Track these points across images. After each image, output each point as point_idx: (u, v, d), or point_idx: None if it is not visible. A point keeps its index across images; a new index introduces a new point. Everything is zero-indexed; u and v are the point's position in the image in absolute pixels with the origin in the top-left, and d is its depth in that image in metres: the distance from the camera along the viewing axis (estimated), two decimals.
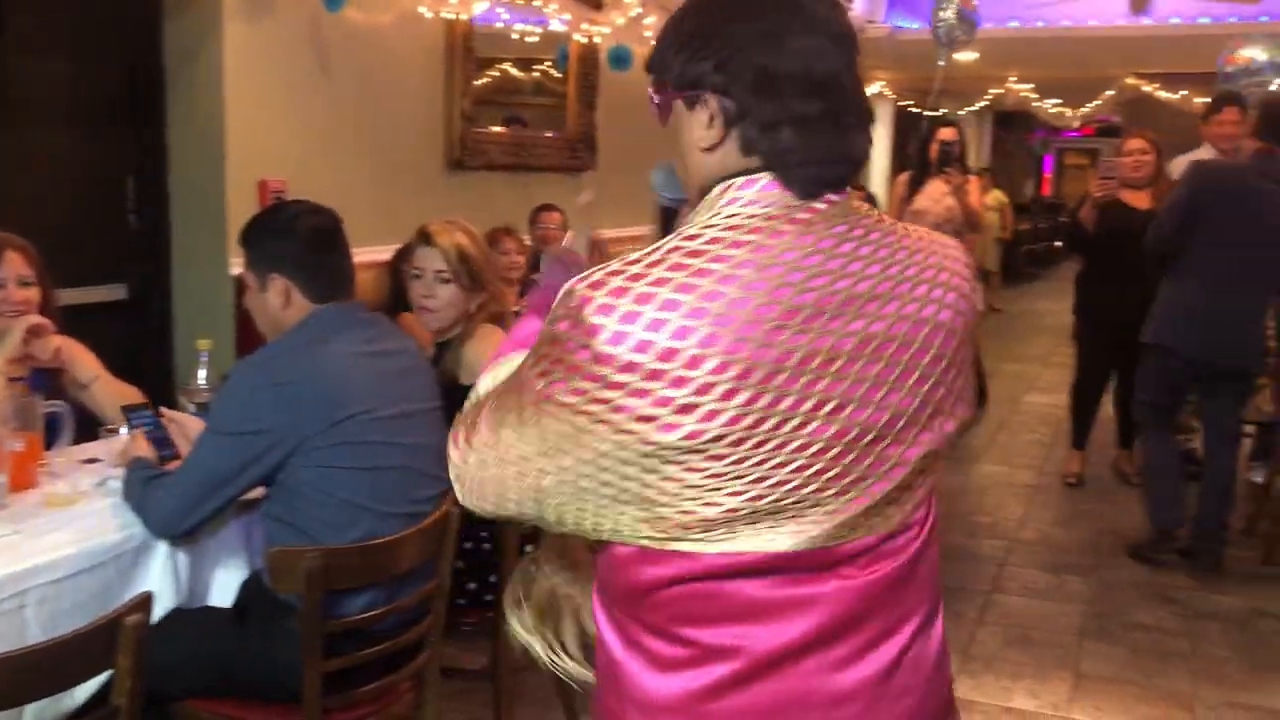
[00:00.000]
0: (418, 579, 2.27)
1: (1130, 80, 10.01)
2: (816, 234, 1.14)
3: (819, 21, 1.19)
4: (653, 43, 1.29)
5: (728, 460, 1.09)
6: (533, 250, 5.13)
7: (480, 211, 5.02)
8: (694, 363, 1.06)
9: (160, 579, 2.19)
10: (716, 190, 1.20)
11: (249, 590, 2.31)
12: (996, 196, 11.41)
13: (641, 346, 1.06)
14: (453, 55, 5.12)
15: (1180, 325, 4.38)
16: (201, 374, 2.87)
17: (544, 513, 1.18)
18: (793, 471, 1.11)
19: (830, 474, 1.12)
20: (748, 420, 1.08)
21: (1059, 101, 11.62)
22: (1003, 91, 11.05)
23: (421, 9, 4.84)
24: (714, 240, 1.12)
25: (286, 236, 2.27)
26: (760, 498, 1.11)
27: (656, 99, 1.27)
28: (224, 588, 2.37)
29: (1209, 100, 5.72)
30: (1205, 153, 5.55)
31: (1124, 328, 4.91)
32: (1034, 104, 11.42)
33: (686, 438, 1.08)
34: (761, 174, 1.18)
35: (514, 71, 5.83)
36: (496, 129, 5.56)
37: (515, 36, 5.58)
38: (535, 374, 1.14)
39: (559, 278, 1.21)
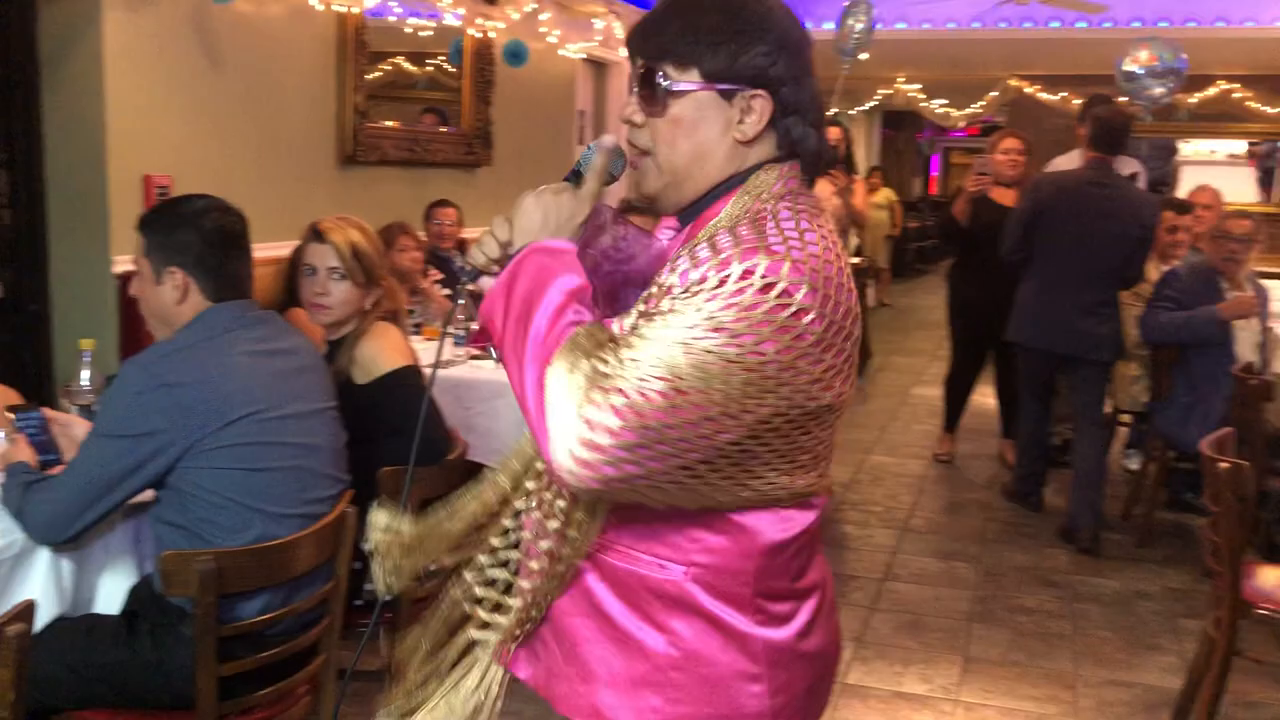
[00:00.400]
0: (314, 580, 2.24)
1: (1013, 82, 10.33)
2: None
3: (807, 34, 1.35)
4: (645, 33, 1.33)
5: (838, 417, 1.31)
6: (429, 247, 5.09)
7: (374, 207, 4.96)
8: (841, 332, 1.23)
9: (43, 586, 2.12)
10: (765, 175, 1.31)
11: (138, 596, 2.25)
12: (886, 194, 11.66)
13: (819, 319, 1.20)
14: (345, 49, 5.04)
15: (1029, 322, 4.83)
16: (84, 375, 2.79)
17: (701, 483, 1.22)
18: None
19: None
20: (850, 381, 1.29)
21: (945, 102, 11.93)
22: (892, 92, 11.30)
23: (313, 1, 4.75)
24: (814, 214, 1.29)
25: (193, 230, 2.21)
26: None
27: (667, 83, 1.30)
28: (111, 594, 2.30)
29: (1082, 103, 5.98)
30: (1080, 155, 5.78)
31: (992, 319, 5.24)
32: (921, 104, 11.70)
33: (835, 399, 1.26)
34: (790, 161, 1.33)
35: (408, 66, 5.76)
36: (390, 124, 5.49)
37: (409, 30, 5.51)
38: (715, 336, 1.16)
39: (636, 244, 1.33)
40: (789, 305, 1.18)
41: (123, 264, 3.90)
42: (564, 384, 1.18)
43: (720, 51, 1.27)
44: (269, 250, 4.17)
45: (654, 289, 1.26)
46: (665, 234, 1.45)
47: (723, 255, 1.20)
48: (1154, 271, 5.19)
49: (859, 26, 7.10)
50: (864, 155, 16.57)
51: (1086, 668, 3.59)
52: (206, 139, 4.32)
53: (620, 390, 1.16)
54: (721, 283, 1.18)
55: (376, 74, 5.36)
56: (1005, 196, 5.40)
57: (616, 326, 1.27)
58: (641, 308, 1.26)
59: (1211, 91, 9.77)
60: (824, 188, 6.09)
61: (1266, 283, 5.06)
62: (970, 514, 5.13)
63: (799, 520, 1.33)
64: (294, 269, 4.22)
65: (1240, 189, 10.04)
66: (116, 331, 3.90)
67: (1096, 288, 4.72)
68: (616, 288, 1.36)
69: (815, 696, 1.44)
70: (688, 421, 1.16)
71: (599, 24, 7.34)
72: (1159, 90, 6.77)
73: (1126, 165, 5.87)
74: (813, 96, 1.34)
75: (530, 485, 1.45)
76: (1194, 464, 4.61)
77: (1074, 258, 4.70)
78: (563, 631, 1.42)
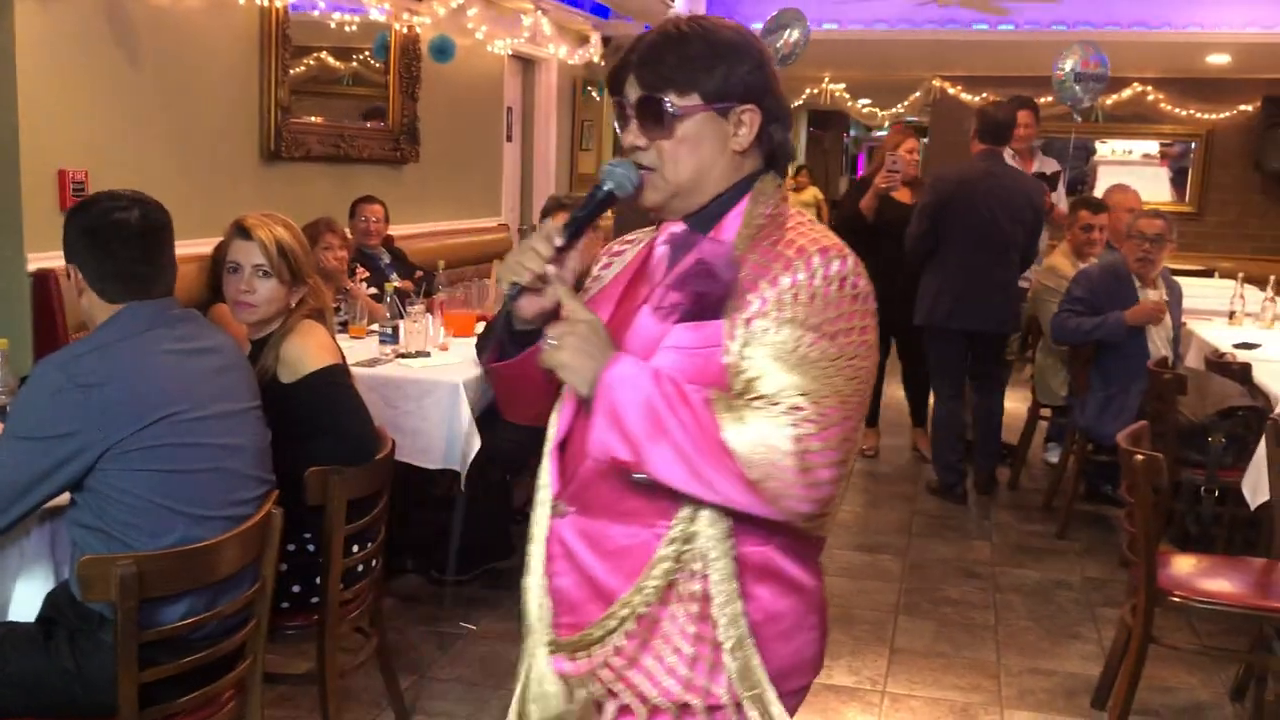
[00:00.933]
0: (239, 583, 2.20)
1: (936, 82, 10.49)
2: None
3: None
4: (640, 69, 1.47)
5: None
6: (354, 245, 5.02)
7: (299, 204, 4.89)
8: None
9: None
10: (767, 182, 1.51)
11: (55, 602, 2.19)
12: (813, 193, 11.74)
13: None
14: (267, 42, 4.96)
15: (944, 306, 5.15)
16: None
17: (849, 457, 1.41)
18: None
19: None
20: None
21: (870, 102, 12.07)
22: (818, 91, 11.41)
23: None
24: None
25: (82, 225, 2.17)
26: None
27: (673, 109, 1.45)
28: (26, 601, 2.25)
29: (1005, 103, 6.11)
30: (1007, 151, 5.92)
31: (893, 312, 5.32)
32: (847, 104, 11.83)
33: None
34: (772, 167, 1.53)
35: (332, 61, 5.68)
36: (314, 119, 5.41)
37: (333, 25, 5.44)
38: (847, 329, 1.39)
39: (723, 271, 1.39)
40: (861, 290, 1.42)
41: (37, 261, 3.79)
42: (751, 441, 1.32)
43: (714, 74, 1.44)
44: (190, 247, 4.08)
45: (750, 312, 1.38)
46: (676, 228, 1.52)
47: (796, 265, 1.39)
48: (1069, 268, 5.33)
49: (794, 37, 7.18)
50: (800, 154, 16.73)
51: (1009, 657, 3.66)
52: (124, 133, 4.22)
53: (809, 426, 1.33)
54: (812, 295, 1.37)
55: (300, 69, 5.28)
56: (902, 194, 5.62)
57: (728, 340, 1.39)
58: (743, 332, 1.38)
59: (1127, 93, 10.02)
60: None
61: (1180, 280, 5.22)
62: (894, 507, 5.21)
63: None
64: (216, 266, 4.16)
65: (1155, 188, 10.30)
66: (30, 331, 3.80)
67: (1002, 267, 5.13)
68: (703, 298, 1.41)
69: None
70: (854, 418, 1.37)
71: (526, 20, 7.31)
72: (1084, 93, 6.97)
73: (1048, 165, 6.01)
74: (785, 103, 1.53)
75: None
76: (1111, 456, 4.73)
77: (980, 242, 5.09)
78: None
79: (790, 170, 13.37)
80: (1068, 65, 7.11)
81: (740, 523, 1.40)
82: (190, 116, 4.57)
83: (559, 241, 1.43)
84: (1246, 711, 3.28)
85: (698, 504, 1.38)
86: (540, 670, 1.50)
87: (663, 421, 1.33)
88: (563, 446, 1.53)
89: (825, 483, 1.34)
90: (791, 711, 1.48)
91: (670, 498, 1.39)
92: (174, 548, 2.06)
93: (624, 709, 1.46)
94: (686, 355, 1.40)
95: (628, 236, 1.65)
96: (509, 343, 1.51)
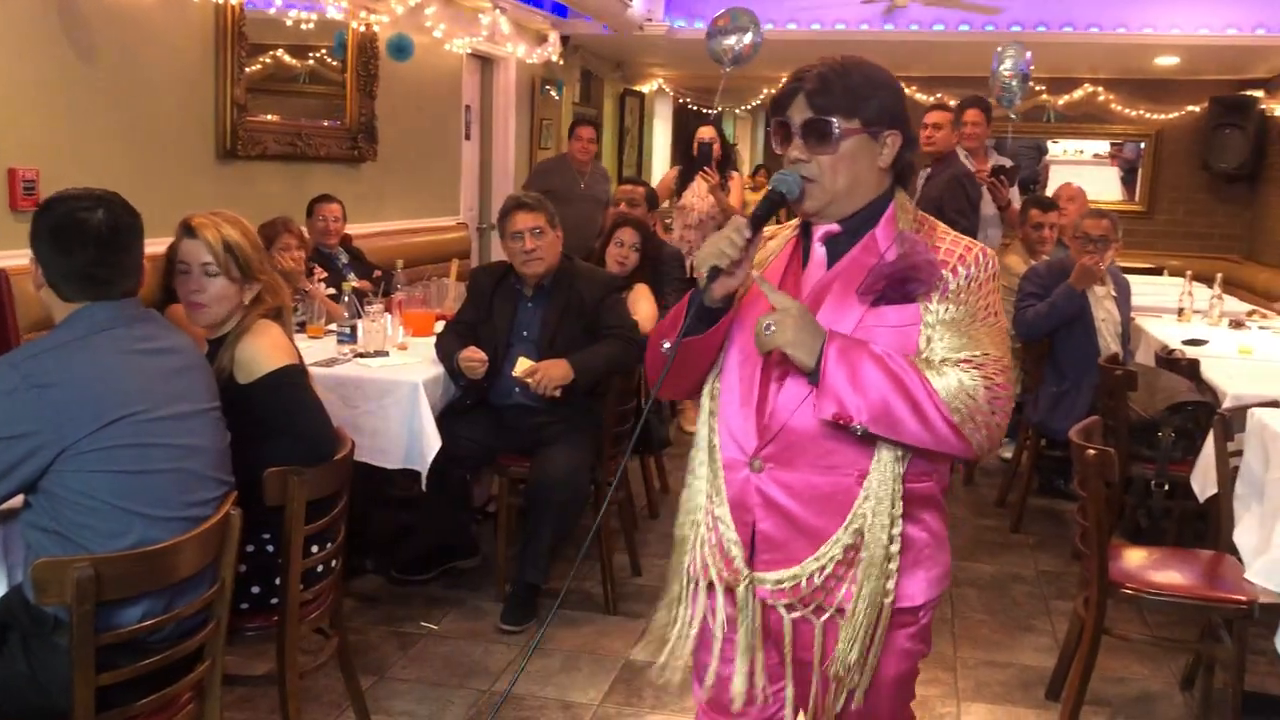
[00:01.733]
0: (198, 585, 2.19)
1: None
2: None
3: None
4: (810, 97, 1.75)
5: None
6: (312, 244, 4.99)
7: (255, 203, 4.85)
8: None
9: None
10: (904, 196, 1.84)
11: (8, 606, 2.16)
12: None
13: None
14: (223, 40, 4.91)
15: None
16: None
17: None
18: None
19: None
20: None
21: None
22: (775, 91, 11.46)
23: None
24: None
25: (40, 222, 2.14)
26: None
27: (838, 130, 1.74)
28: None
29: (958, 103, 6.20)
30: (961, 150, 6.01)
31: None
32: None
33: None
34: (901, 185, 1.86)
35: (289, 59, 5.64)
36: (271, 117, 5.37)
37: (290, 23, 5.40)
38: (997, 308, 1.80)
39: (912, 245, 1.75)
40: (997, 280, 1.82)
41: None
42: (953, 390, 1.68)
43: (872, 103, 1.75)
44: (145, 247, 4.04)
45: (937, 297, 1.75)
46: (830, 228, 1.83)
47: (967, 260, 1.77)
48: (1022, 265, 5.41)
49: (747, 38, 7.25)
50: (749, 154, 16.79)
51: (965, 650, 3.71)
52: (76, 131, 4.17)
53: (994, 379, 1.70)
54: (980, 284, 1.76)
55: (256, 66, 5.24)
56: None
57: (926, 316, 1.74)
58: (934, 310, 1.74)
59: (1079, 94, 10.16)
60: (703, 184, 6.22)
61: (1129, 277, 5.31)
62: None
63: None
64: (169, 266, 4.11)
65: (1105, 187, 10.46)
66: None
67: None
68: (908, 284, 1.75)
69: None
70: (1009, 371, 1.75)
71: (485, 19, 7.29)
72: (1020, 91, 7.15)
73: (1003, 161, 6.09)
74: (914, 131, 1.84)
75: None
76: (1064, 452, 4.81)
77: None
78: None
79: (749, 169, 13.42)
80: (1008, 64, 7.26)
81: (912, 464, 1.75)
82: (143, 114, 4.52)
83: (747, 234, 1.71)
84: (1195, 700, 3.35)
85: (881, 452, 1.72)
86: (744, 598, 1.81)
87: (894, 379, 1.66)
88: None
89: (1003, 422, 1.73)
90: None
91: (862, 448, 1.73)
92: (131, 550, 2.05)
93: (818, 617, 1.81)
94: (892, 331, 1.73)
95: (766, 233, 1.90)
96: (701, 319, 1.76)
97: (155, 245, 3.94)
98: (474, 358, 3.70)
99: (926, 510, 1.83)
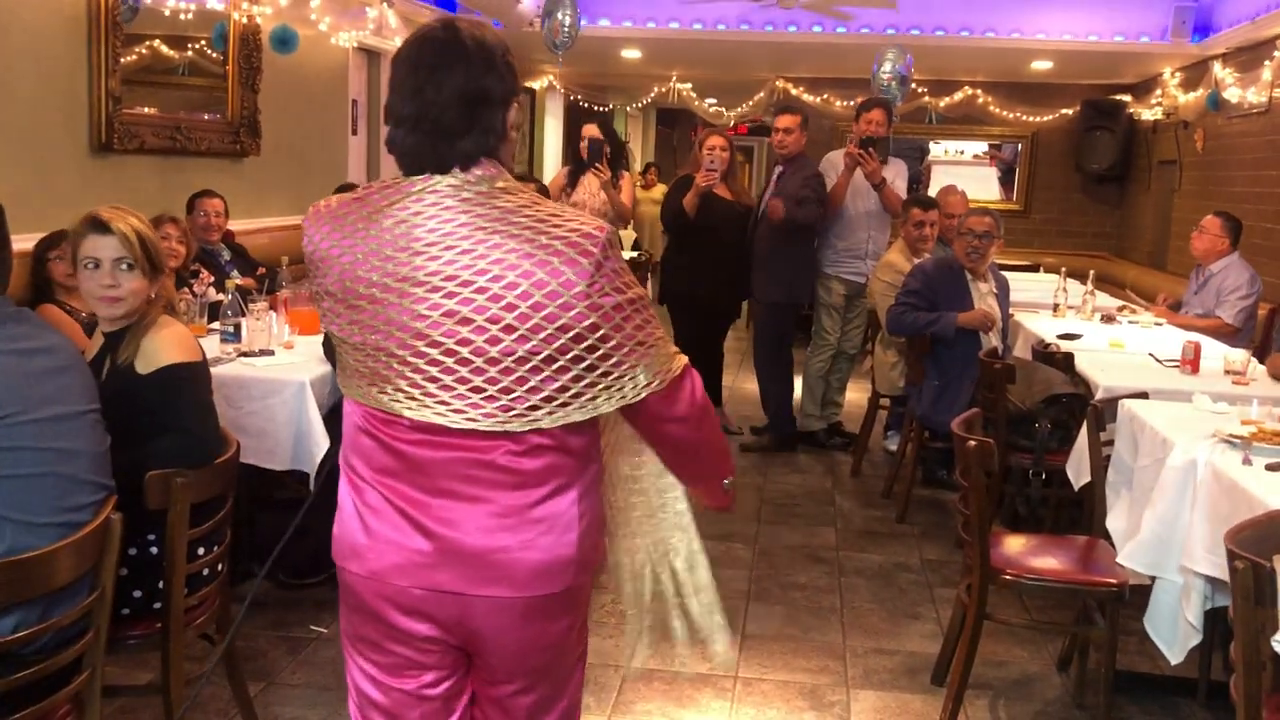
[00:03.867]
0: (75, 593, 2.11)
1: (779, 83, 10.74)
2: None
3: None
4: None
5: None
6: (194, 239, 4.85)
7: (132, 198, 4.69)
8: None
9: None
10: None
11: None
12: (663, 190, 11.75)
13: None
14: (95, 29, 4.73)
15: (787, 283, 6.04)
16: None
17: None
18: None
19: None
20: None
21: (715, 101, 12.27)
22: (665, 90, 11.53)
23: None
24: None
25: None
26: None
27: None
28: None
29: (859, 101, 6.34)
30: (840, 153, 6.16)
31: (706, 300, 6.16)
32: (694, 102, 12.00)
33: None
34: None
35: (167, 50, 5.46)
36: (148, 110, 5.20)
37: (167, 13, 5.23)
38: None
39: None
40: None
41: None
42: None
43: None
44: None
45: None
46: None
47: None
48: (905, 263, 5.55)
49: (566, 22, 7.41)
50: (640, 151, 16.85)
51: (854, 638, 3.80)
52: None
53: None
54: None
55: (132, 57, 5.07)
56: (722, 189, 6.00)
57: None
58: None
59: (959, 96, 10.46)
60: (594, 181, 6.27)
61: (1007, 274, 5.49)
62: (744, 497, 5.32)
63: None
64: (39, 264, 3.96)
65: (984, 187, 10.80)
66: None
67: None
68: None
69: None
70: None
71: (372, 12, 7.18)
72: (900, 93, 7.38)
73: (894, 164, 6.22)
74: None
75: None
76: (946, 443, 4.95)
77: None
78: None
79: (639, 167, 13.45)
80: (888, 67, 7.50)
81: None
82: (9, 105, 4.33)
83: None
84: (1071, 680, 3.48)
85: None
86: None
87: None
88: None
89: None
90: None
91: None
92: (2, 558, 1.96)
93: None
94: None
95: None
96: None
97: (23, 243, 3.81)
98: None
99: None
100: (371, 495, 1.68)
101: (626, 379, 1.62)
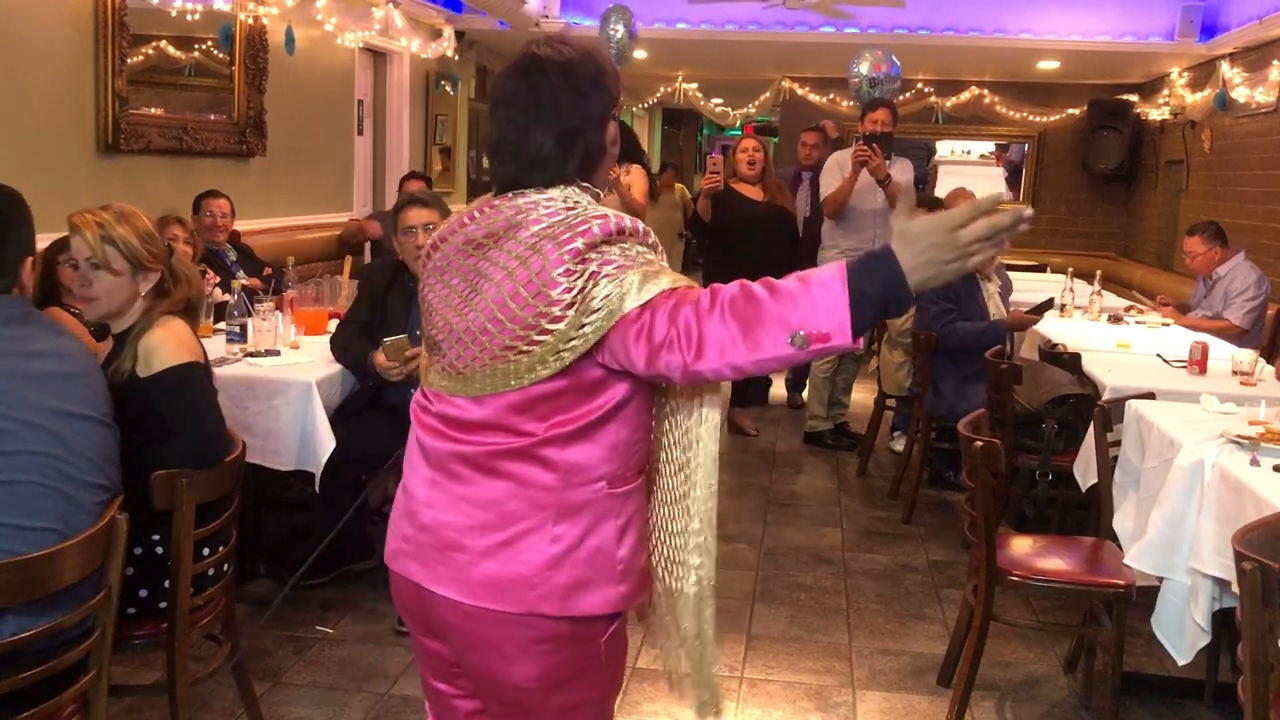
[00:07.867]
0: (80, 594, 2.11)
1: (786, 83, 10.73)
2: None
3: None
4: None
5: None
6: (200, 240, 4.86)
7: (139, 198, 4.69)
8: None
9: None
10: None
11: None
12: (681, 191, 11.13)
13: None
14: (102, 30, 4.75)
15: None
16: None
17: None
18: None
19: None
20: None
21: (721, 101, 12.26)
22: (671, 90, 11.53)
23: None
24: None
25: None
26: None
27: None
28: None
29: (866, 103, 6.35)
30: (847, 153, 6.16)
31: None
32: (700, 103, 11.99)
33: None
34: None
35: (173, 51, 5.47)
36: (155, 110, 5.21)
37: (174, 13, 5.24)
38: None
39: None
40: None
41: None
42: None
43: None
44: None
45: None
46: None
47: None
48: None
49: (619, 34, 7.42)
50: (655, 152, 16.85)
51: (860, 639, 3.79)
52: None
53: None
54: None
55: (139, 58, 5.08)
56: (751, 192, 6.05)
57: None
58: None
59: (965, 96, 10.45)
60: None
61: (1013, 274, 5.49)
62: (750, 497, 5.32)
63: None
64: (49, 265, 3.96)
65: (991, 187, 10.78)
66: None
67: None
68: None
69: None
70: None
71: (378, 13, 7.18)
72: (880, 94, 7.42)
73: (899, 163, 6.21)
74: None
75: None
76: (953, 444, 4.93)
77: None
78: None
79: (656, 168, 13.46)
80: (863, 69, 7.53)
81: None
82: (17, 106, 4.34)
83: None
84: (1078, 682, 3.47)
85: None
86: None
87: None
88: None
89: None
90: None
91: None
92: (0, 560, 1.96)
93: None
94: None
95: None
96: None
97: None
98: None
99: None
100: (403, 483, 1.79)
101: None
